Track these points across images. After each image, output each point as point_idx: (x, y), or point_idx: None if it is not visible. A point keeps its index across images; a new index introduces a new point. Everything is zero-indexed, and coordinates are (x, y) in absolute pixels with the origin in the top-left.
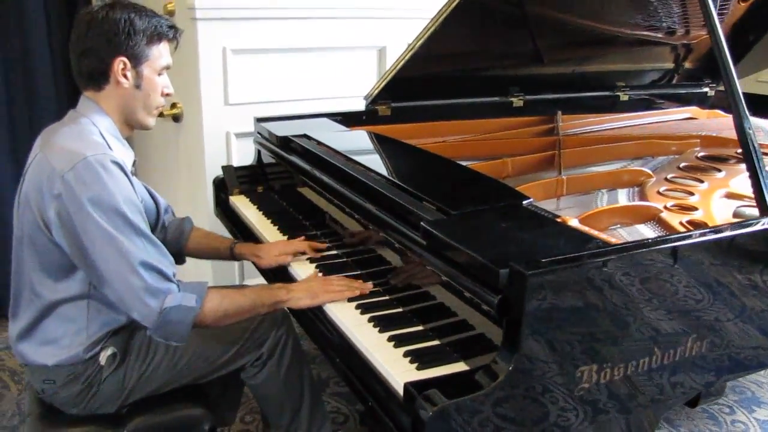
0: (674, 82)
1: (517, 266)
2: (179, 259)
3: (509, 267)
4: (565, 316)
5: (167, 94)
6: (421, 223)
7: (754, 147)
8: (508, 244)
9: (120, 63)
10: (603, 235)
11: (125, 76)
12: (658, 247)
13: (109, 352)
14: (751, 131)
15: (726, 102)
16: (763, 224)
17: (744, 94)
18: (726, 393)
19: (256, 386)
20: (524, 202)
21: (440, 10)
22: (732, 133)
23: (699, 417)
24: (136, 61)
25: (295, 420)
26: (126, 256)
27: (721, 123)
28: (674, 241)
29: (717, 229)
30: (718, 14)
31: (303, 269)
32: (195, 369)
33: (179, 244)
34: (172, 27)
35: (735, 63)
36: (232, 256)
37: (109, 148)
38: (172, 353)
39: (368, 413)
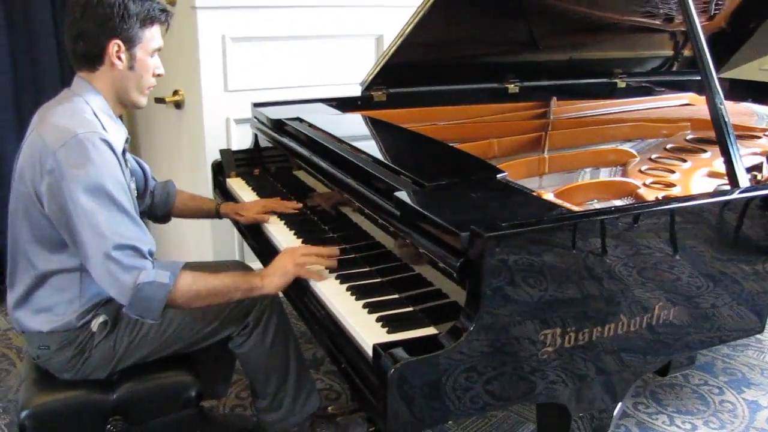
0: (674, 69)
1: (477, 229)
2: (165, 219)
3: (470, 231)
4: (524, 279)
5: (158, 75)
6: (394, 194)
7: (726, 122)
8: (473, 212)
9: (114, 45)
10: (571, 206)
11: (119, 58)
12: (617, 215)
13: (100, 319)
14: (722, 106)
15: (700, 83)
16: (726, 195)
17: (747, 81)
18: (716, 374)
19: (242, 355)
20: (498, 176)
21: None
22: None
23: (688, 397)
24: (130, 43)
25: (282, 388)
26: (104, 232)
27: None
28: (632, 209)
29: (678, 200)
30: (717, 2)
31: (278, 231)
32: (182, 337)
33: (167, 205)
34: (164, 11)
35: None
36: (217, 215)
37: (102, 126)
38: (160, 322)
39: (343, 375)
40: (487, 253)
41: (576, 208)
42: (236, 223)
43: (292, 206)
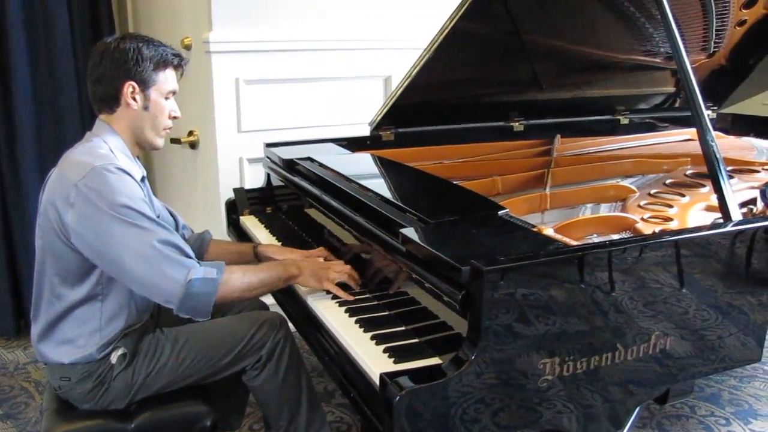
0: (676, 105)
1: (477, 263)
2: None
3: (470, 265)
4: (523, 311)
5: (174, 117)
6: (400, 230)
7: (717, 158)
8: (474, 247)
9: (129, 87)
10: (571, 241)
11: (134, 98)
12: (609, 248)
13: (119, 352)
14: (713, 143)
15: (692, 117)
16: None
17: (749, 116)
18: (723, 405)
19: (256, 388)
20: (500, 213)
21: (432, 40)
22: (725, 153)
23: (695, 428)
24: (144, 85)
25: (294, 421)
26: (143, 238)
27: (718, 144)
28: (624, 244)
29: (672, 233)
30: (716, 40)
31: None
32: (198, 370)
33: (200, 251)
34: (177, 55)
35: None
36: (256, 256)
37: (116, 159)
38: (176, 355)
39: (353, 404)
40: (486, 286)
41: (573, 243)
42: None
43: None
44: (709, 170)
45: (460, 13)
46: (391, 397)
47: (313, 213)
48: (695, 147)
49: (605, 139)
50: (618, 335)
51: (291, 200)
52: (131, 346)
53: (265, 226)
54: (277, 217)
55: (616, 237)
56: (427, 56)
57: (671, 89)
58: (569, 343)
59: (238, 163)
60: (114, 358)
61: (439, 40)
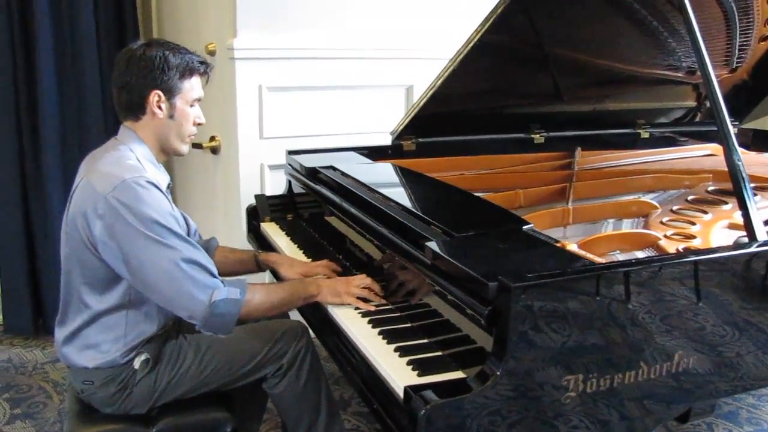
0: (696, 119)
1: (505, 279)
2: None
3: (498, 280)
4: (549, 327)
5: (199, 124)
6: (426, 243)
7: (743, 177)
8: (501, 262)
9: (155, 95)
10: (595, 257)
11: (160, 107)
12: (637, 267)
13: (142, 357)
14: (740, 163)
15: (718, 137)
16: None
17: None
18: (741, 423)
19: (276, 396)
20: (524, 227)
21: (458, 51)
22: (748, 169)
23: None
24: (170, 93)
25: (313, 428)
26: (170, 256)
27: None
28: (652, 262)
29: (695, 253)
30: (739, 55)
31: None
32: (220, 377)
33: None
34: (203, 63)
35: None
36: (257, 264)
37: (145, 171)
38: (199, 362)
39: (374, 415)
40: (513, 302)
41: (598, 259)
42: (275, 273)
43: (335, 269)
44: (735, 189)
45: (486, 26)
46: (417, 411)
47: (333, 221)
48: (717, 163)
49: (626, 153)
50: (642, 353)
51: (312, 208)
52: (154, 351)
53: (285, 234)
54: (298, 224)
55: (639, 254)
56: (452, 67)
57: (692, 104)
58: (593, 360)
59: (259, 170)
60: (137, 363)
61: (465, 52)
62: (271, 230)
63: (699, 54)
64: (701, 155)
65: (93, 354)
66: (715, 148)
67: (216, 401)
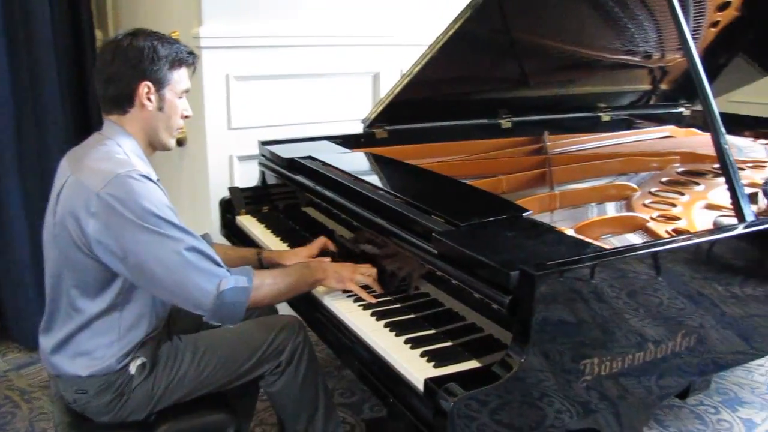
0: (652, 102)
1: (527, 269)
2: None
3: (519, 270)
4: (568, 313)
5: (186, 116)
6: (433, 234)
7: (731, 161)
8: (515, 251)
9: (144, 87)
10: (597, 242)
11: (149, 99)
12: (649, 250)
13: (138, 362)
14: (726, 146)
15: (703, 121)
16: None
17: (723, 114)
18: (710, 394)
19: (274, 393)
20: (524, 215)
21: (437, 39)
22: (708, 150)
23: (687, 417)
24: (159, 85)
25: (311, 425)
26: (173, 247)
27: (697, 141)
28: (662, 245)
29: (701, 234)
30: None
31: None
32: (219, 377)
33: None
34: (191, 53)
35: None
36: (260, 262)
37: (135, 165)
38: (197, 363)
39: (389, 409)
40: (537, 291)
41: (599, 244)
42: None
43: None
44: (723, 172)
45: (467, 15)
46: (444, 404)
47: (311, 211)
48: (677, 143)
49: (591, 137)
50: (656, 332)
51: (287, 199)
52: (150, 355)
53: (265, 227)
54: (275, 216)
55: (630, 236)
56: (430, 55)
57: (648, 86)
58: (607, 343)
59: (228, 161)
60: (133, 368)
61: (444, 40)
62: (248, 223)
63: (685, 44)
64: (660, 137)
65: (86, 361)
66: (672, 129)
67: (215, 403)
